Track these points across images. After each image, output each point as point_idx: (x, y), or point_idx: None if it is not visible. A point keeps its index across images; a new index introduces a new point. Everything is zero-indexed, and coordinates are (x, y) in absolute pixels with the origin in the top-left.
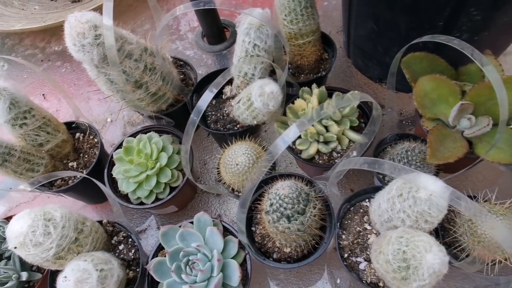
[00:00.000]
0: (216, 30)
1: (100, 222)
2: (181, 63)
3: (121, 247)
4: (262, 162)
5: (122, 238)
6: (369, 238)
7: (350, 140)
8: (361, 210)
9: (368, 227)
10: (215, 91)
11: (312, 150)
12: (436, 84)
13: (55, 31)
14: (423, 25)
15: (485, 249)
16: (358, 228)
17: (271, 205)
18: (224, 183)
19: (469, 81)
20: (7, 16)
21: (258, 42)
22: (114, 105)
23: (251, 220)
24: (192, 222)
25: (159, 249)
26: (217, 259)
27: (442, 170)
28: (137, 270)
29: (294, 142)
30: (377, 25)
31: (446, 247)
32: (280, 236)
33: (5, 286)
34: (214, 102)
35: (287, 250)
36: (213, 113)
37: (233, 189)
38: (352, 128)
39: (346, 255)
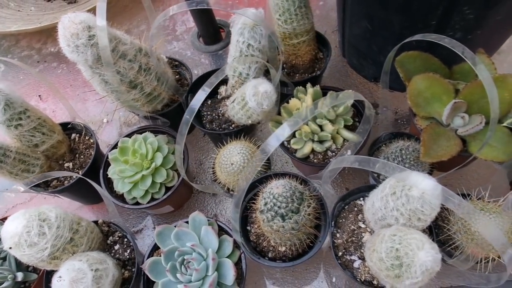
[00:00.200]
0: (212, 31)
1: (96, 222)
2: (176, 63)
3: (116, 247)
4: (256, 160)
5: (118, 238)
6: (363, 237)
7: (344, 139)
8: (356, 209)
9: (363, 226)
10: (208, 90)
11: (306, 149)
12: (429, 83)
13: (51, 32)
14: (417, 24)
15: (478, 246)
16: (353, 227)
17: (265, 204)
18: (220, 182)
19: (462, 79)
20: (3, 17)
21: (252, 42)
22: (110, 105)
23: (246, 219)
24: (187, 222)
25: (155, 248)
26: (212, 258)
27: (436, 169)
28: (133, 270)
29: (288, 142)
30: (371, 24)
31: (440, 245)
32: (274, 235)
33: (0, 286)
34: (209, 102)
35: (282, 249)
36: (209, 113)
37: (228, 189)
38: (346, 127)
39: (340, 253)
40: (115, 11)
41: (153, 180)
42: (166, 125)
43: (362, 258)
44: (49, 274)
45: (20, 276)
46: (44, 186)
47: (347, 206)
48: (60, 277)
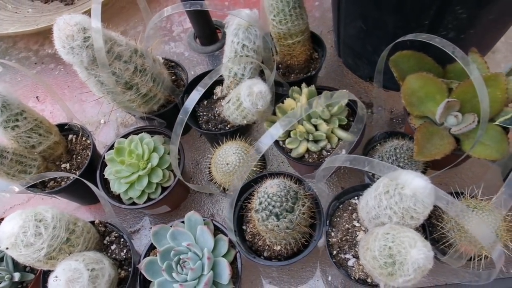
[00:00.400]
0: (208, 31)
1: (93, 222)
2: (173, 64)
3: (113, 247)
4: (249, 158)
5: (114, 238)
6: (357, 235)
7: (339, 139)
8: (350, 208)
9: (357, 224)
10: (202, 90)
11: (301, 149)
12: (423, 82)
13: (48, 34)
14: (410, 24)
15: (471, 244)
16: (347, 225)
17: (260, 203)
18: (215, 182)
19: (456, 78)
20: (0, 19)
21: (247, 42)
22: (108, 106)
23: (242, 219)
24: (183, 222)
25: (151, 248)
26: (207, 257)
27: (430, 167)
28: (129, 269)
29: (284, 141)
30: (365, 24)
31: (434, 243)
32: (269, 234)
33: None
34: (205, 102)
35: (277, 248)
36: (205, 113)
37: (224, 188)
38: (341, 126)
39: (335, 252)
40: (112, 12)
41: (149, 180)
42: (163, 126)
43: (357, 257)
44: (46, 274)
45: (17, 276)
46: (41, 187)
47: (341, 205)
48: (56, 276)
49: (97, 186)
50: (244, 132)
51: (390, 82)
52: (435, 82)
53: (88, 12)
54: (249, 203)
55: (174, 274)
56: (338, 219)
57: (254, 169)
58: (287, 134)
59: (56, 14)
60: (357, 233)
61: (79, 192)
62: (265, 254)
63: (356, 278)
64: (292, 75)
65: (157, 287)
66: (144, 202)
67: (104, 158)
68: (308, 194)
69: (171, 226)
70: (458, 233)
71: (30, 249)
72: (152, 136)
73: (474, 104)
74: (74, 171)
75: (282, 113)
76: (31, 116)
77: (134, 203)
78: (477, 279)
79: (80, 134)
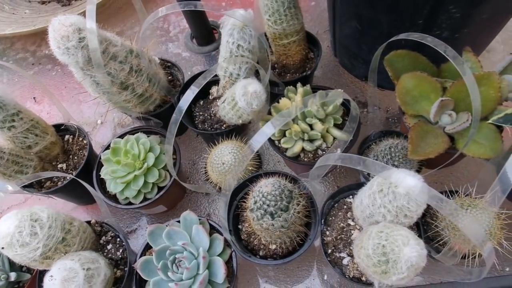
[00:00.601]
0: (205, 32)
1: (89, 222)
2: (169, 64)
3: (109, 246)
4: (243, 156)
5: (110, 238)
6: (352, 234)
7: (334, 138)
8: (345, 206)
9: (352, 223)
10: (196, 89)
11: (296, 148)
12: (417, 81)
13: (45, 35)
14: (404, 24)
15: (465, 242)
16: (342, 224)
17: (255, 202)
18: (212, 182)
19: (450, 77)
20: None
21: (242, 42)
22: (104, 107)
23: (238, 218)
24: (179, 221)
25: (147, 248)
26: (203, 256)
27: (425, 166)
28: (125, 269)
29: (279, 141)
30: (360, 24)
31: (428, 242)
32: (265, 233)
33: None
34: (201, 102)
35: (273, 247)
36: (201, 113)
37: (220, 188)
38: (336, 125)
39: (330, 250)
40: (109, 13)
41: (145, 180)
42: (159, 126)
43: (351, 255)
44: (42, 273)
45: (13, 276)
46: (38, 187)
47: (336, 204)
48: (51, 276)
49: (93, 186)
50: (240, 131)
51: (386, 81)
52: (429, 81)
53: (84, 13)
54: (244, 202)
55: (169, 273)
56: (333, 218)
57: (250, 168)
58: (283, 133)
59: (53, 15)
60: (352, 231)
61: (76, 192)
62: (260, 253)
63: (351, 276)
64: (288, 74)
65: (152, 286)
66: (140, 202)
67: (100, 158)
68: (303, 193)
69: (167, 226)
70: (452, 231)
71: (26, 249)
72: (148, 136)
73: (468, 103)
74: (71, 171)
75: (277, 113)
76: (27, 116)
77: (130, 203)
78: (469, 277)
79: (76, 135)
